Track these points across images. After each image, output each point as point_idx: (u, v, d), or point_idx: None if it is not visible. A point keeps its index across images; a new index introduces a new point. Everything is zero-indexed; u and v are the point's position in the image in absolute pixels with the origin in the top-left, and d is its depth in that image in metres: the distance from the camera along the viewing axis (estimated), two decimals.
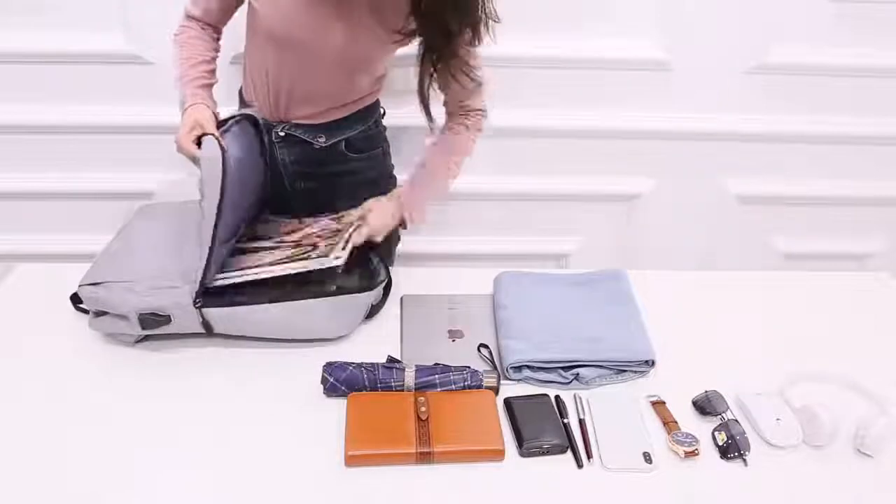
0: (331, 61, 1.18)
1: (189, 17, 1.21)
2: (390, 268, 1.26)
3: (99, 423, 0.97)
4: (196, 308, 1.06)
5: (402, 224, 1.30)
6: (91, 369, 1.07)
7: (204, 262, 1.04)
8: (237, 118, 1.14)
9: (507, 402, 1.02)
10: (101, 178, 1.76)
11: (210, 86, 1.19)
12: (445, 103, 1.28)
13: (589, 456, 0.95)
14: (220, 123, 1.11)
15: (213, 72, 1.21)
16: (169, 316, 1.06)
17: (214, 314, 1.08)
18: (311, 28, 1.14)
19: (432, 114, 1.19)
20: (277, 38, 1.17)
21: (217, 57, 1.24)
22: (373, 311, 1.19)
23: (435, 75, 1.14)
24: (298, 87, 1.23)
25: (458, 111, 1.28)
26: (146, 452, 0.92)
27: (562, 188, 1.86)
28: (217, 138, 1.02)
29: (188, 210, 1.25)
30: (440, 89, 1.21)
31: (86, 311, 1.13)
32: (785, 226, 1.98)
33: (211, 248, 1.03)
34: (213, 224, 1.02)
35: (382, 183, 1.39)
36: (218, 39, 1.24)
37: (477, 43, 1.12)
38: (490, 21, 1.09)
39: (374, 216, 1.23)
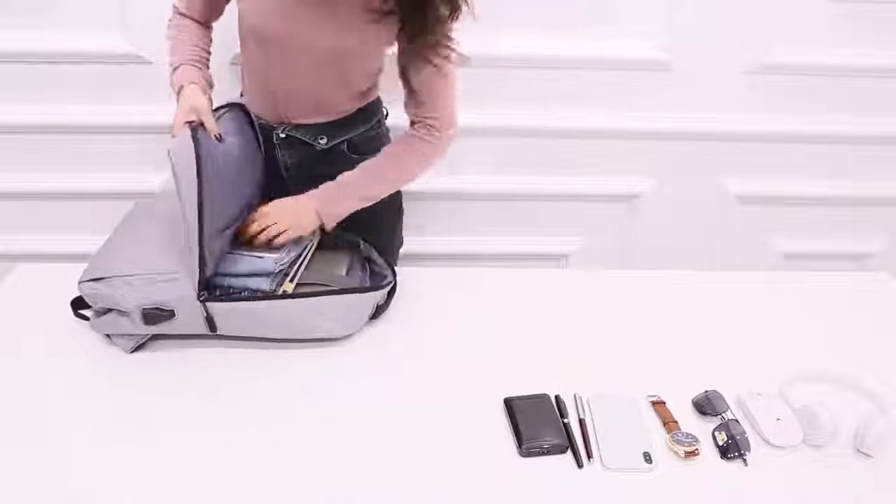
0: (315, 54, 1.17)
1: (177, 13, 1.23)
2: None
3: (99, 423, 0.96)
4: (200, 302, 1.04)
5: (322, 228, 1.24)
6: (91, 369, 1.07)
7: (196, 256, 1.02)
8: (227, 107, 1.15)
9: (508, 402, 1.01)
10: (101, 178, 1.76)
11: (203, 63, 1.20)
12: (406, 105, 1.24)
13: (589, 456, 0.95)
14: (213, 111, 1.11)
15: (206, 52, 1.22)
16: (173, 311, 1.04)
17: (218, 309, 1.06)
18: (288, 21, 1.13)
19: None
20: (259, 36, 1.17)
21: (210, 43, 1.25)
22: (377, 312, 1.18)
23: (410, 59, 1.14)
24: (290, 86, 1.23)
25: (415, 117, 1.24)
26: (145, 452, 0.92)
27: (562, 188, 1.86)
28: (196, 128, 1.02)
29: None
30: (412, 77, 1.18)
31: (86, 318, 1.12)
32: (785, 226, 1.98)
33: (200, 243, 1.01)
34: (197, 217, 1.00)
35: None
36: (209, 31, 1.26)
37: (454, 18, 1.08)
38: None
39: (277, 213, 1.17)
